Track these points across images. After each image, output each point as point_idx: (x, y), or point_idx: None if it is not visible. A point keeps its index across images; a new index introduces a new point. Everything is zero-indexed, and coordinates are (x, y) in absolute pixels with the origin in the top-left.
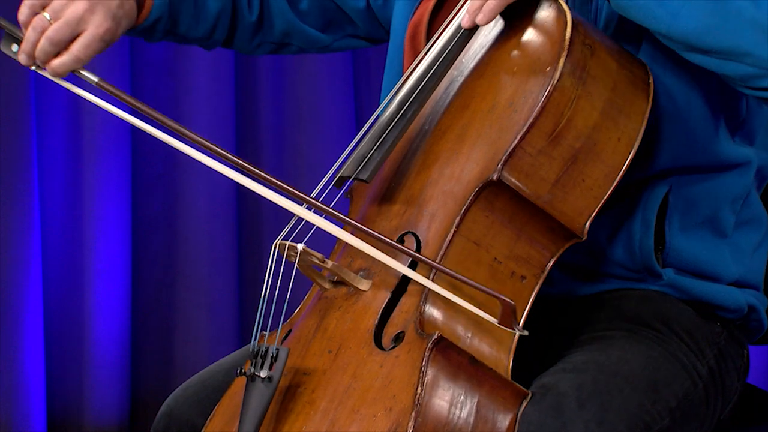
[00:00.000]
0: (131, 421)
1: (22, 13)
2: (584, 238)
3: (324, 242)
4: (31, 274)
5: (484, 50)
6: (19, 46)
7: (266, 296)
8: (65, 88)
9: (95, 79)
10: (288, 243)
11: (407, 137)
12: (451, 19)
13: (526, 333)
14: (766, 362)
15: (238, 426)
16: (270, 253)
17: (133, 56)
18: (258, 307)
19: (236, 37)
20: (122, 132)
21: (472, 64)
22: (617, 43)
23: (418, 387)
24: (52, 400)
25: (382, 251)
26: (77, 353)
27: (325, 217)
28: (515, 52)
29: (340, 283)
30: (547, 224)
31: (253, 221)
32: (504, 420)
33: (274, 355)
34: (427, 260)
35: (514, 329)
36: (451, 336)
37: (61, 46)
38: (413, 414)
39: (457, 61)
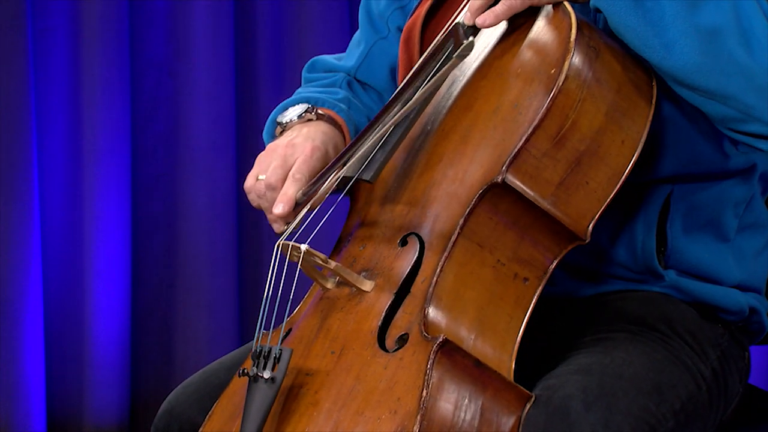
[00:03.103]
0: (131, 421)
1: (251, 199)
2: (587, 241)
3: (327, 242)
4: (31, 274)
5: (487, 51)
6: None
7: (269, 296)
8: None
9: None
10: (291, 243)
11: (410, 137)
12: (453, 20)
13: None
14: (767, 362)
15: (241, 426)
16: (271, 253)
17: (133, 56)
18: (259, 307)
19: None
20: (122, 132)
21: (475, 65)
22: (622, 46)
23: (423, 390)
24: (52, 400)
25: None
26: (77, 353)
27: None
28: (519, 54)
29: (342, 283)
30: (551, 226)
31: (253, 221)
32: (508, 422)
33: (277, 355)
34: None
35: None
36: (455, 338)
37: (280, 186)
38: (418, 417)
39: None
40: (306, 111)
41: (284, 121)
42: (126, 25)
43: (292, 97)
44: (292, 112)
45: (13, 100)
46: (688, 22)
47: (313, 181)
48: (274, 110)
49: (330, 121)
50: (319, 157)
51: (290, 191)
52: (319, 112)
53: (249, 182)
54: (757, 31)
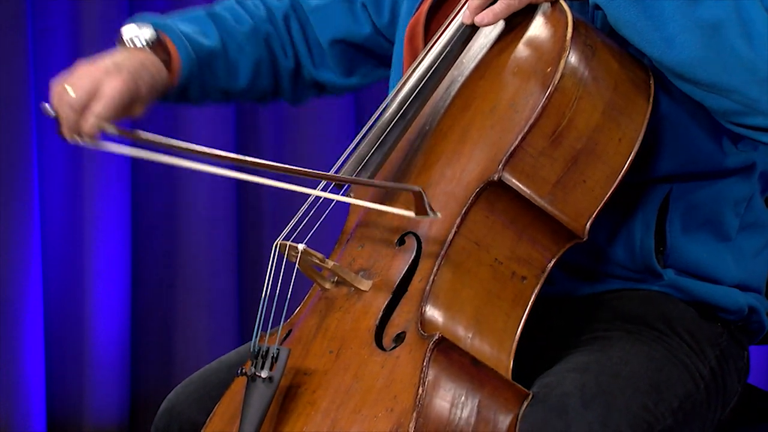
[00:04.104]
0: (131, 421)
1: (52, 98)
2: (585, 239)
3: (325, 242)
4: (31, 274)
5: (485, 50)
6: None
7: (267, 296)
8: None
9: (121, 132)
10: (289, 243)
11: (407, 138)
12: (453, 19)
13: (439, 216)
14: (766, 362)
15: (239, 426)
16: (270, 253)
17: None
18: (258, 307)
19: (281, 85)
20: None
21: (473, 65)
22: (620, 45)
23: (419, 387)
24: (52, 400)
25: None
26: (77, 353)
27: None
28: (516, 53)
29: (340, 283)
30: (548, 225)
31: (253, 221)
32: (505, 420)
33: (275, 355)
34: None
35: (429, 214)
36: (452, 336)
37: (81, 109)
38: (414, 414)
39: (457, 61)
40: (147, 43)
41: (125, 39)
42: None
43: (159, 16)
44: (137, 34)
45: (13, 100)
46: (689, 16)
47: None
48: (136, 16)
49: (165, 54)
50: (130, 99)
51: (91, 128)
52: (161, 39)
53: (56, 86)
54: (757, 23)
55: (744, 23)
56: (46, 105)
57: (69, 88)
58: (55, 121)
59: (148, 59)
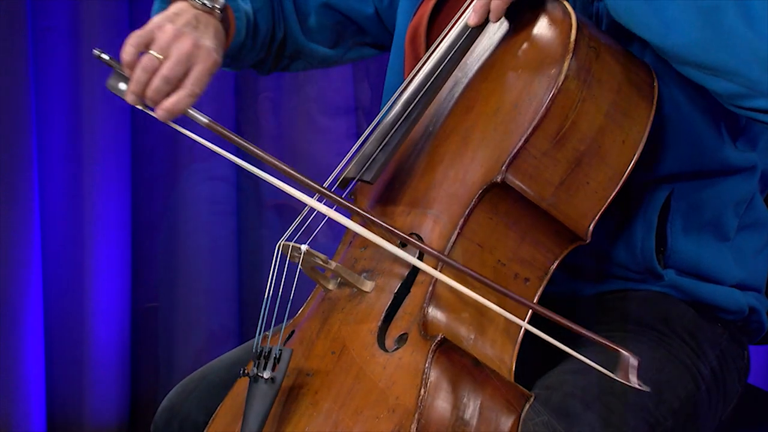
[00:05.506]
0: (131, 421)
1: (127, 52)
2: (588, 241)
3: (327, 243)
4: (31, 274)
5: (488, 52)
6: (126, 84)
7: (269, 297)
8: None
9: (205, 120)
10: (291, 244)
11: (411, 138)
12: (456, 20)
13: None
14: (766, 362)
15: (241, 427)
16: (271, 253)
17: None
18: (260, 308)
19: (268, 54)
20: (122, 132)
21: (476, 66)
22: (622, 45)
23: (421, 389)
24: (52, 400)
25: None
26: (77, 353)
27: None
28: (520, 54)
29: (343, 284)
30: (551, 226)
31: (253, 221)
32: (507, 422)
33: (277, 356)
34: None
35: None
36: (454, 338)
37: (175, 84)
38: (416, 416)
39: (461, 63)
40: (219, 8)
41: None
42: (126, 25)
43: None
44: None
45: (13, 100)
46: None
47: None
48: None
49: (224, 21)
50: (213, 75)
51: (181, 106)
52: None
53: (136, 41)
54: (756, 4)
55: (743, 4)
56: (102, 54)
57: (156, 54)
58: (110, 70)
59: (219, 28)
